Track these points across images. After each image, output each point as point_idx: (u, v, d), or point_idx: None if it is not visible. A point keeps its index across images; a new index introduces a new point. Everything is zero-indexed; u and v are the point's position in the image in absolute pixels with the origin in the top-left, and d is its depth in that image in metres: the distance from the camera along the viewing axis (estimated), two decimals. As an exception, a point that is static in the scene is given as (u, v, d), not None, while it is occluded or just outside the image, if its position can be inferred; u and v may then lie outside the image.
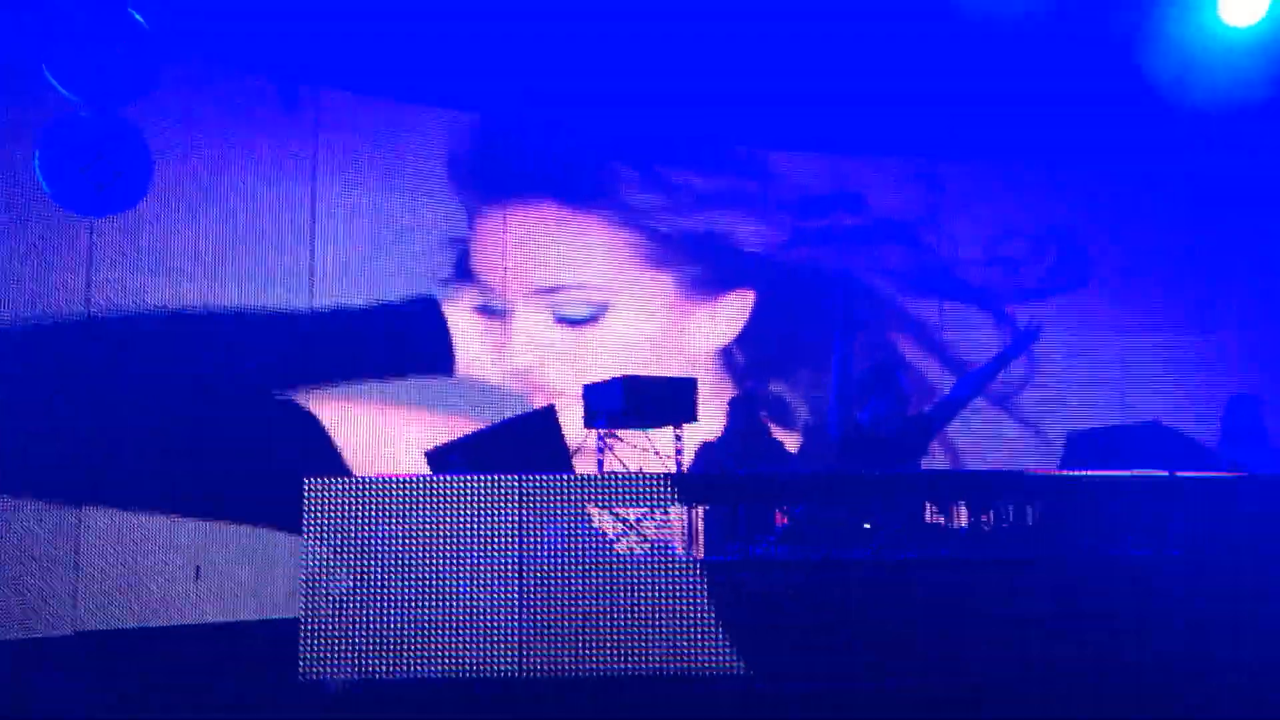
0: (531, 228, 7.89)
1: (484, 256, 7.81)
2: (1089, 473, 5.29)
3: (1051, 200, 8.40)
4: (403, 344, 7.41)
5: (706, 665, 4.92)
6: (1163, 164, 8.24)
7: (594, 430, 5.52)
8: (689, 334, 7.97)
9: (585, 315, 7.76)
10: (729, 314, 8.02)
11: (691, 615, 4.93)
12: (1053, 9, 7.08)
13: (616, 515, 5.08)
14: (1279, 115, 7.47)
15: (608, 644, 4.97)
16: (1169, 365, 8.18)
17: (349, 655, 4.94)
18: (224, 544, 6.74)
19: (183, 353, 6.75)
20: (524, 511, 5.02)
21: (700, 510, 5.34)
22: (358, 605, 4.98)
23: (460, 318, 7.67)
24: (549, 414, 5.92)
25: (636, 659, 4.95)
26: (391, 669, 4.96)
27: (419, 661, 4.98)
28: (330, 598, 4.96)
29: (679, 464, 5.59)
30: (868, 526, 5.39)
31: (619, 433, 5.50)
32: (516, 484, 5.06)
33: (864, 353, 7.55)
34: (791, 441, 7.63)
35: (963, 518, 5.29)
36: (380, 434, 7.29)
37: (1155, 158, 8.25)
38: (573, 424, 5.95)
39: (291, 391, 7.09)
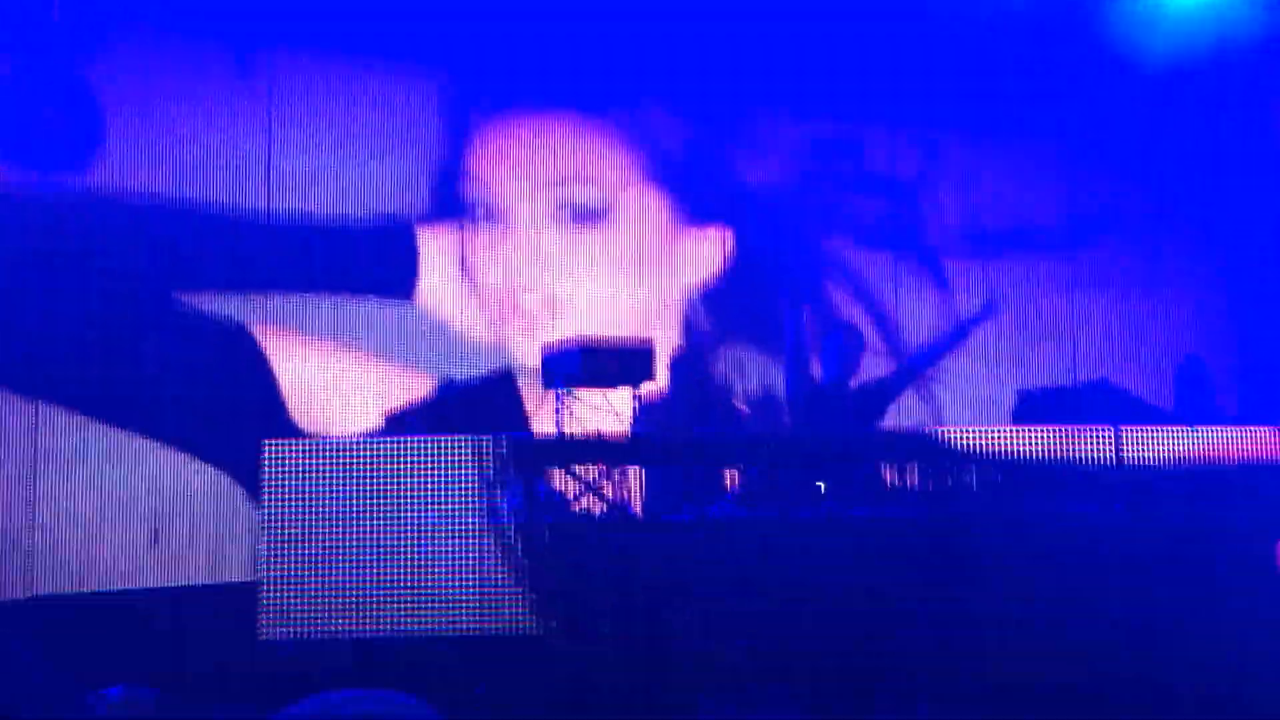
0: (540, 131, 7.81)
1: (482, 160, 7.73)
2: (1036, 428, 5.38)
3: (997, 161, 8.45)
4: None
5: (662, 627, 4.99)
6: (1114, 125, 8.32)
7: (552, 391, 5.56)
8: (672, 261, 7.89)
9: (592, 208, 7.68)
10: (710, 249, 7.92)
11: (648, 576, 5.00)
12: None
13: (575, 475, 5.13)
14: (1226, 76, 7.57)
15: (563, 604, 5.02)
16: (1120, 325, 8.29)
17: (307, 616, 4.97)
18: (182, 507, 6.73)
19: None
20: (481, 472, 5.06)
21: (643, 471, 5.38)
22: (316, 566, 5.01)
23: (439, 237, 7.50)
24: (507, 376, 5.95)
25: (593, 618, 5.01)
26: (349, 629, 5.00)
27: (377, 621, 5.02)
28: (288, 559, 4.98)
29: (636, 424, 5.64)
30: (820, 485, 5.47)
31: (577, 392, 5.53)
32: (474, 445, 5.10)
33: (818, 317, 7.62)
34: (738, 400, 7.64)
35: (915, 477, 5.37)
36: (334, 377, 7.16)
37: (1107, 118, 8.32)
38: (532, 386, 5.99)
39: (239, 296, 6.96)
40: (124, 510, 6.53)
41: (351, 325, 7.21)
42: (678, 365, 6.70)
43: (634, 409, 5.58)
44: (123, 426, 6.54)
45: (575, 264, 7.60)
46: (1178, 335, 8.04)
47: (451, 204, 7.54)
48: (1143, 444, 5.36)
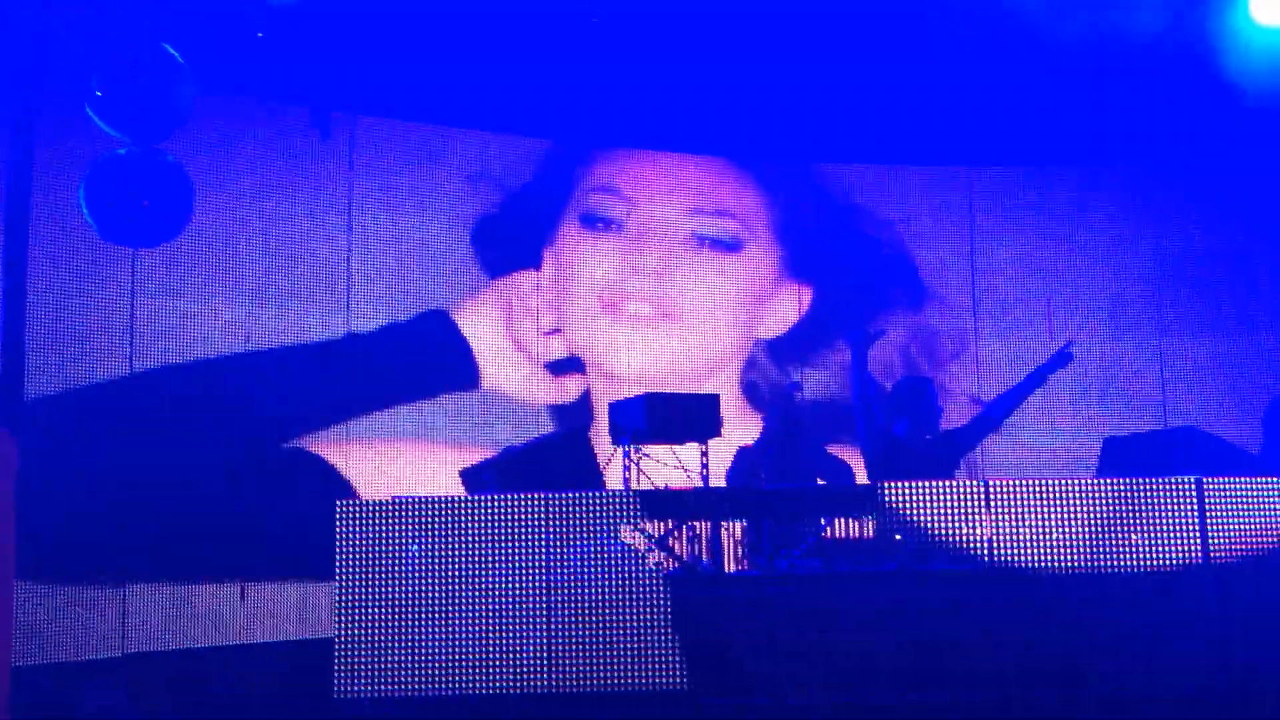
0: (671, 161, 8.04)
1: (607, 175, 7.95)
2: (1116, 481, 5.26)
3: (1085, 200, 8.34)
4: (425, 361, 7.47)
5: (730, 683, 4.96)
6: (1202, 162, 8.15)
7: (620, 447, 5.58)
8: (763, 312, 8.07)
9: (727, 240, 7.91)
10: (792, 304, 8.07)
11: (714, 632, 4.97)
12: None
13: (644, 531, 5.13)
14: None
15: (636, 660, 5.01)
16: (1208, 368, 8.08)
17: (383, 674, 5.02)
18: (269, 564, 6.86)
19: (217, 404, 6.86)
20: (553, 530, 5.10)
21: (736, 525, 5.38)
22: (391, 624, 5.07)
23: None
24: (580, 434, 6.00)
25: (664, 675, 5.00)
26: (426, 687, 5.04)
27: (453, 680, 5.06)
28: (363, 617, 5.05)
29: (705, 479, 5.63)
30: (899, 539, 5.39)
31: (646, 449, 5.56)
32: (545, 503, 5.14)
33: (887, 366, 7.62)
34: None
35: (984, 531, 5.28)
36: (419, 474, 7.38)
37: (1192, 155, 8.16)
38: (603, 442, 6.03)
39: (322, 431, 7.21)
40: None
41: (429, 422, 7.43)
42: (773, 413, 6.67)
43: (703, 462, 5.59)
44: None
45: (692, 285, 7.76)
46: (1271, 377, 7.81)
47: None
48: (1226, 495, 5.20)
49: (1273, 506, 5.18)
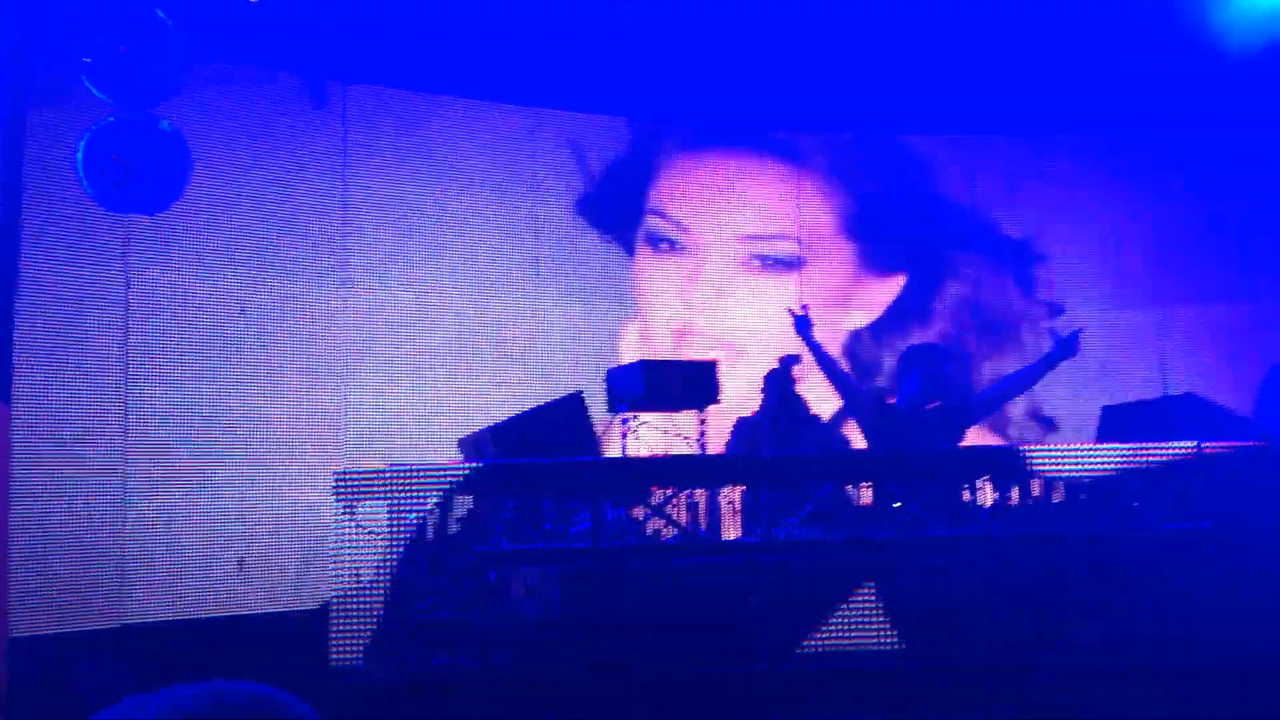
0: (729, 174, 7.98)
1: (664, 196, 7.90)
2: (1115, 446, 5.24)
3: (1082, 170, 8.31)
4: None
5: (728, 648, 4.95)
6: (1196, 129, 8.11)
7: (618, 414, 5.56)
8: (851, 309, 8.05)
9: (785, 260, 7.87)
10: (884, 297, 8.09)
11: (715, 599, 4.96)
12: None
13: (641, 499, 5.12)
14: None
15: (637, 629, 5.00)
16: (1206, 336, 8.06)
17: (380, 643, 5.01)
18: (268, 534, 6.85)
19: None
20: (549, 496, 5.08)
21: (733, 491, 5.36)
22: (389, 594, 5.06)
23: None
24: (576, 400, 5.97)
25: (665, 643, 4.98)
26: (423, 657, 5.03)
27: (450, 649, 5.04)
28: (360, 587, 5.04)
29: (702, 446, 5.61)
30: (897, 506, 5.38)
31: (644, 415, 5.53)
32: (542, 470, 5.12)
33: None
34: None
35: (989, 495, 5.27)
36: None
37: (1196, 124, 8.12)
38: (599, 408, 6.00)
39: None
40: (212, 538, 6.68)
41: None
42: (771, 385, 6.64)
43: (700, 430, 5.57)
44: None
45: (758, 307, 7.73)
46: (1270, 347, 7.79)
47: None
48: (1224, 458, 5.18)
49: (1271, 471, 5.16)
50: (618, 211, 7.86)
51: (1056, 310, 6.06)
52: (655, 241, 7.88)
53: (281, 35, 7.14)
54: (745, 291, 7.87)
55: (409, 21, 7.29)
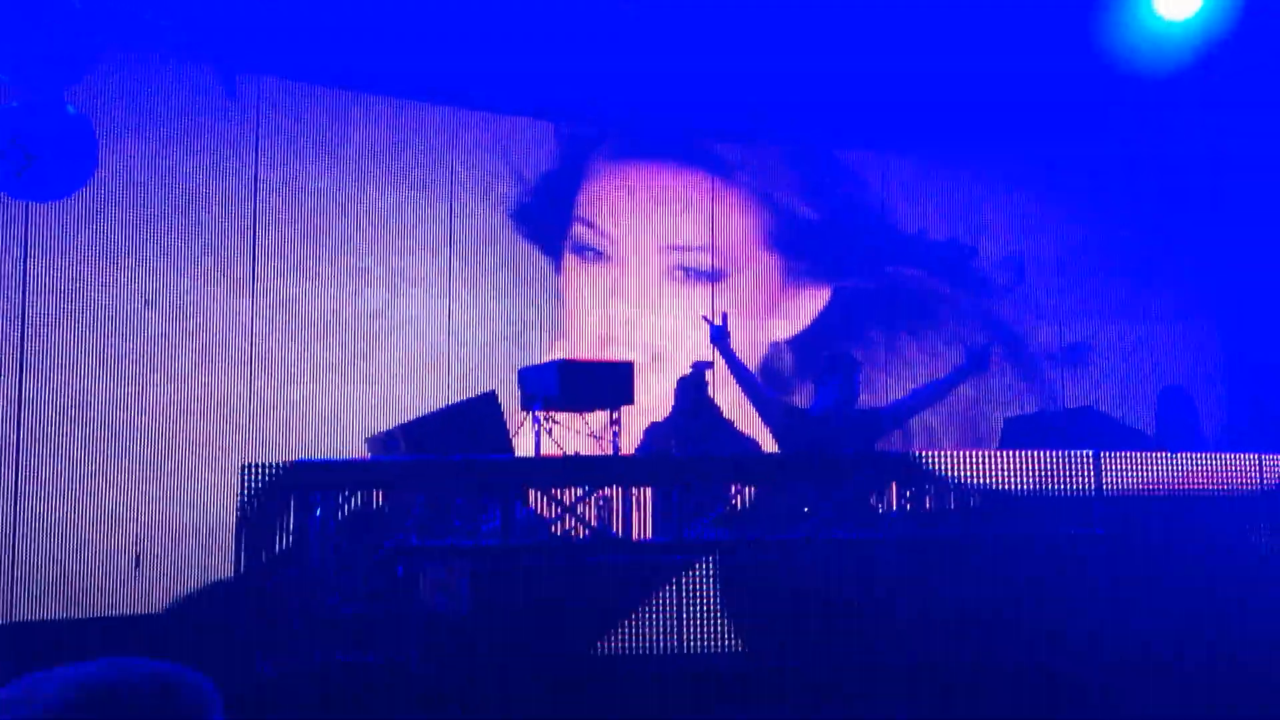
0: (653, 184, 7.96)
1: (589, 205, 7.89)
2: (1016, 453, 5.36)
3: (994, 189, 8.51)
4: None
5: (639, 647, 4.96)
6: (1105, 153, 8.35)
7: (531, 413, 5.54)
8: (773, 320, 8.10)
9: (705, 270, 7.88)
10: (807, 308, 8.15)
11: (625, 598, 4.97)
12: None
13: (553, 498, 5.11)
14: (1217, 100, 7.61)
15: (553, 627, 4.98)
16: (1104, 354, 8.30)
17: (284, 639, 4.93)
18: (165, 531, 6.70)
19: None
20: (460, 493, 5.04)
21: (644, 492, 5.36)
22: (293, 591, 4.97)
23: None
24: (489, 399, 5.94)
25: (574, 640, 4.97)
26: (328, 652, 4.95)
27: (356, 645, 4.97)
28: (265, 584, 4.95)
29: (615, 446, 5.62)
30: (806, 510, 5.45)
31: (556, 416, 5.52)
32: (454, 467, 5.08)
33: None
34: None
35: (895, 501, 5.35)
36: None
37: (1098, 146, 8.35)
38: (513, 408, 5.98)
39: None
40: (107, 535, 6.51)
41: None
42: (684, 390, 6.68)
43: (613, 431, 5.57)
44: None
45: (679, 316, 7.74)
46: (1165, 364, 8.05)
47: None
48: (1122, 469, 5.34)
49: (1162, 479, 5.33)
50: (549, 221, 7.88)
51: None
52: (581, 250, 7.91)
53: (195, 22, 7.03)
54: (667, 301, 7.94)
55: (329, 14, 7.22)
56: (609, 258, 7.94)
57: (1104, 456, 5.29)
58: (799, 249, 8.28)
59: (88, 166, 6.12)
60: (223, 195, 7.21)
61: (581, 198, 8.00)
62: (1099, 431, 6.17)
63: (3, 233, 6.46)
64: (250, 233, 7.24)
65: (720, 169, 8.22)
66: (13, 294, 6.47)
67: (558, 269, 7.91)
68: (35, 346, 6.47)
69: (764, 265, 8.19)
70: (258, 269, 7.24)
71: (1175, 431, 6.61)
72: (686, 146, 8.19)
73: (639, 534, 5.29)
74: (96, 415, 6.61)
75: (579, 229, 7.94)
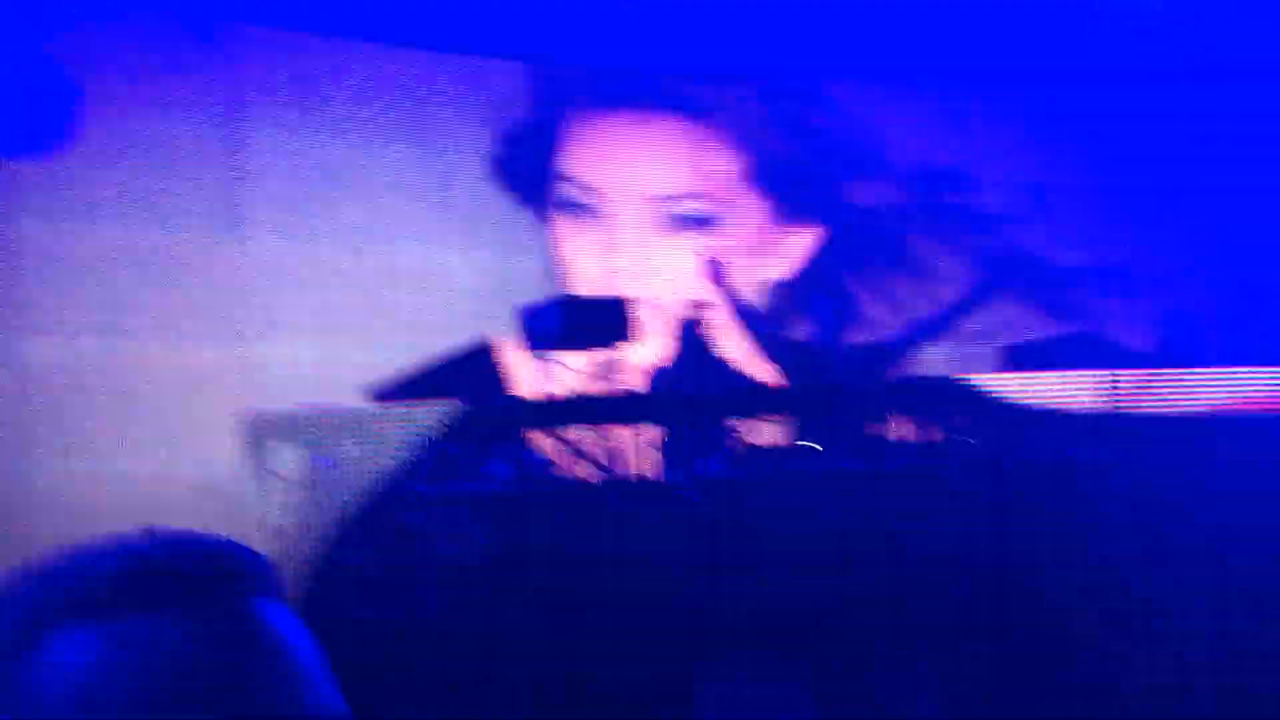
0: (636, 135, 7.90)
1: (573, 161, 7.79)
2: (1023, 376, 5.34)
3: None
4: None
5: (647, 587, 4.93)
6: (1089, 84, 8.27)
7: (532, 353, 5.49)
8: (766, 260, 8.02)
9: (696, 219, 7.79)
10: (799, 247, 8.07)
11: (634, 535, 4.93)
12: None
13: (558, 438, 5.07)
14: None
15: (554, 571, 4.95)
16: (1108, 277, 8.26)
17: (294, 594, 4.88)
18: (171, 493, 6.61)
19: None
20: (464, 438, 4.99)
21: (652, 430, 5.32)
22: (302, 542, 4.93)
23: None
24: (486, 346, 5.88)
25: (582, 584, 4.94)
26: (340, 606, 4.91)
27: (369, 597, 4.93)
28: (271, 530, 4.90)
29: (619, 385, 5.57)
30: (811, 445, 5.42)
31: (559, 355, 5.46)
32: (455, 411, 5.02)
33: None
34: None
35: (901, 430, 5.33)
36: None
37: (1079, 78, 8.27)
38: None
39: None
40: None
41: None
42: (688, 329, 6.63)
43: (615, 369, 5.52)
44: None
45: (674, 265, 7.68)
46: (1165, 287, 8.00)
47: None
48: (1137, 389, 5.31)
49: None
50: (528, 175, 7.76)
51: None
52: (569, 207, 7.80)
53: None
54: (661, 251, 7.85)
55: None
56: (597, 212, 7.84)
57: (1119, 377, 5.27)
58: (786, 188, 8.19)
59: (72, 122, 6.02)
60: (201, 148, 7.07)
61: (562, 153, 7.88)
62: (1102, 355, 6.14)
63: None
64: (229, 186, 7.11)
65: (698, 112, 8.10)
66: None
67: (544, 222, 7.81)
68: (28, 309, 6.37)
69: (752, 207, 8.11)
70: (238, 222, 7.12)
71: (1178, 351, 6.57)
72: (661, 92, 8.06)
73: (650, 474, 5.26)
74: (93, 377, 6.50)
75: (563, 186, 7.83)
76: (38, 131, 5.99)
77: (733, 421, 5.39)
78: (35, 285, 6.44)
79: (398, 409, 5.24)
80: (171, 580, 0.84)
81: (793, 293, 7.82)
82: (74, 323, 6.50)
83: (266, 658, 0.85)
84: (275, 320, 7.11)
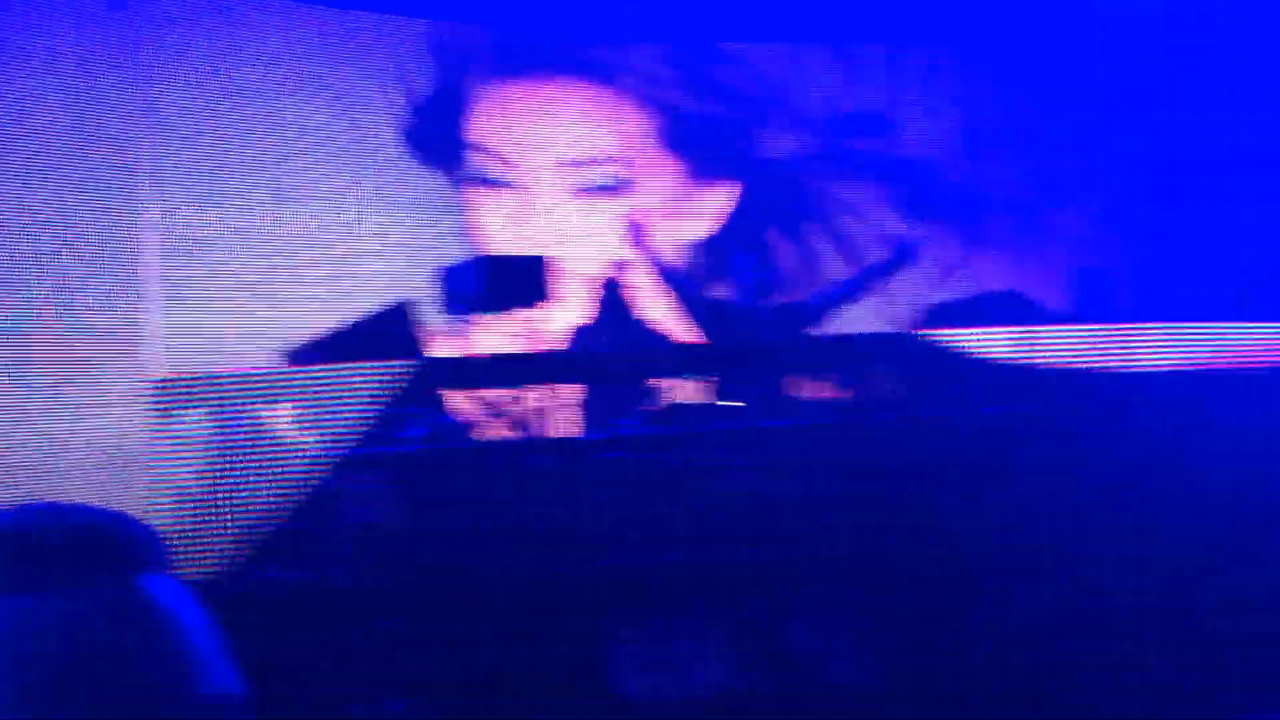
0: (545, 102, 7.75)
1: (482, 130, 7.65)
2: (936, 332, 5.36)
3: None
4: None
5: (576, 549, 4.89)
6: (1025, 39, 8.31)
7: (452, 316, 5.40)
8: (684, 220, 7.93)
9: (610, 184, 7.66)
10: (717, 205, 8.01)
11: (560, 497, 4.89)
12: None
13: (476, 399, 5.00)
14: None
15: (481, 533, 4.88)
16: (1022, 239, 8.34)
17: (207, 558, 4.78)
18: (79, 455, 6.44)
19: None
20: (379, 400, 4.90)
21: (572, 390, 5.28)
22: (209, 510, 4.81)
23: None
24: (402, 308, 5.79)
25: (508, 546, 4.89)
26: (253, 570, 4.81)
27: (282, 561, 4.84)
28: (183, 500, 4.78)
29: (538, 345, 5.51)
30: (737, 404, 5.40)
31: (480, 316, 5.39)
32: (370, 372, 4.93)
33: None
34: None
35: (819, 387, 5.33)
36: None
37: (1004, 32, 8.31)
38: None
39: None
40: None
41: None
42: (608, 290, 6.56)
43: (537, 328, 5.46)
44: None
45: (591, 231, 7.56)
46: (1076, 247, 8.11)
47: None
48: (1050, 345, 5.36)
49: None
50: (437, 142, 7.64)
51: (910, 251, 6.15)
52: (479, 178, 7.69)
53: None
54: (576, 218, 7.77)
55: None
56: (509, 181, 7.74)
57: (1034, 333, 5.31)
58: (696, 148, 8.15)
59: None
60: (109, 111, 6.87)
61: (471, 121, 7.76)
62: (1019, 313, 6.20)
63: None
64: (137, 147, 6.91)
65: (603, 75, 8.03)
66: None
67: (457, 189, 7.70)
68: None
69: (665, 168, 8.07)
70: (144, 185, 6.93)
71: (1093, 308, 6.67)
72: (565, 57, 7.98)
73: (569, 434, 5.22)
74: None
75: (474, 155, 7.72)
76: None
77: (654, 381, 5.35)
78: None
79: (312, 371, 5.13)
80: (54, 558, 0.77)
81: (712, 251, 7.80)
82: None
83: (153, 637, 0.78)
84: (192, 283, 6.95)
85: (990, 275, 7.92)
